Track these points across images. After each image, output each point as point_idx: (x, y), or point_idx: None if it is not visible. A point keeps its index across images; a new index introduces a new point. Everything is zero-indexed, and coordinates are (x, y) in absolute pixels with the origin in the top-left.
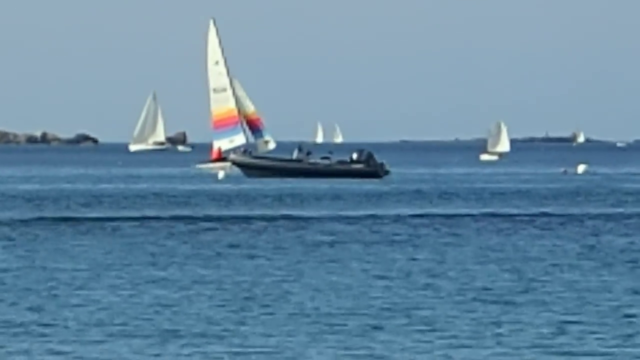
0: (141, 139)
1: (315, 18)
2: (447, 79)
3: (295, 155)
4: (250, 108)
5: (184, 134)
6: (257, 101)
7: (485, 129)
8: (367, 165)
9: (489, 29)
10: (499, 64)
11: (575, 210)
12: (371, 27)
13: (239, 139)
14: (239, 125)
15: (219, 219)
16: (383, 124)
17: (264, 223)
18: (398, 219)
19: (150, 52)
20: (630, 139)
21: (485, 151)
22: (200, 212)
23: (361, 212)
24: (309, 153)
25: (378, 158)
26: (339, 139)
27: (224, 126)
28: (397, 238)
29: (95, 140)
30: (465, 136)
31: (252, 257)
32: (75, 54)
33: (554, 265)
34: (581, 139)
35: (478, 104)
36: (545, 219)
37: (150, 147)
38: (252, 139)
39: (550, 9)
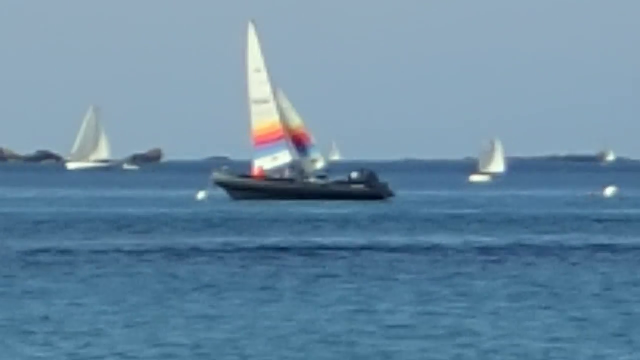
0: (81, 156)
1: (302, 24)
2: (457, 91)
3: (286, 174)
4: (295, 121)
5: (159, 151)
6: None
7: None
8: (369, 186)
9: (504, 32)
10: (514, 72)
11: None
12: (370, 35)
13: (283, 157)
14: (283, 140)
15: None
16: (385, 140)
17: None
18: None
19: (110, 61)
20: None
21: (476, 171)
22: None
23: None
24: (302, 171)
25: (380, 178)
26: (335, 157)
27: (266, 142)
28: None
29: (57, 158)
30: (478, 154)
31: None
32: (34, 61)
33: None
34: (610, 157)
35: (491, 119)
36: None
37: (90, 164)
38: (297, 157)
39: (577, 8)
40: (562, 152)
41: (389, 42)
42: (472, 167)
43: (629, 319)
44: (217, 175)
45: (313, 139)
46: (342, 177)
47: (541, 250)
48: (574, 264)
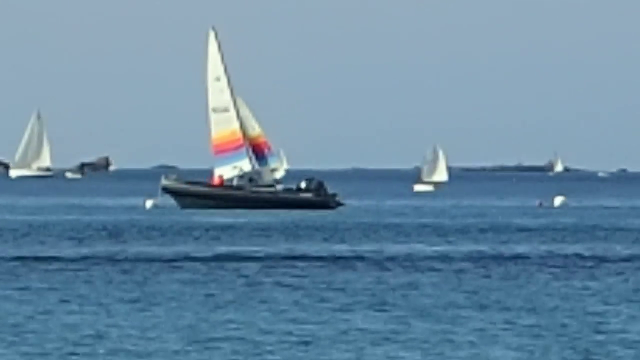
0: (24, 163)
1: (250, 36)
2: (408, 101)
3: (235, 182)
4: (255, 130)
5: (107, 159)
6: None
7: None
8: (317, 195)
9: (454, 43)
10: (466, 83)
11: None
12: (318, 44)
13: (244, 165)
14: (244, 149)
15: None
16: (333, 149)
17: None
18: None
19: (57, 66)
20: (614, 168)
21: (420, 180)
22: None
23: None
24: (251, 180)
25: (330, 187)
26: (284, 165)
27: (226, 151)
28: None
29: (6, 166)
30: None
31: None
32: None
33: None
34: (559, 167)
35: (441, 128)
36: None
37: (33, 172)
38: (257, 166)
39: (527, 20)
40: (511, 163)
41: (336, 52)
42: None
43: (572, 327)
44: (165, 182)
45: (273, 148)
46: (290, 186)
47: (494, 260)
48: (525, 273)
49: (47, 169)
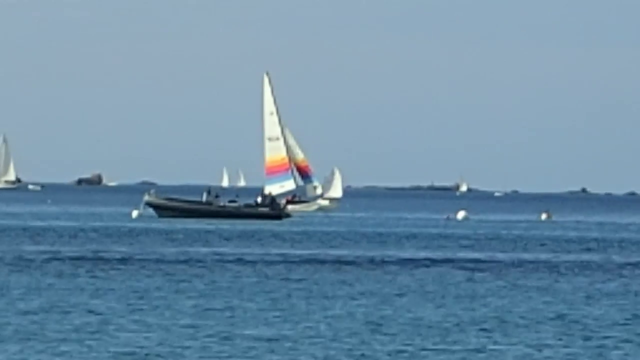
0: None
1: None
2: (360, 125)
3: (204, 197)
4: (299, 155)
5: (99, 176)
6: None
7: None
8: (272, 209)
9: (385, 77)
10: (386, 115)
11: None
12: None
13: (289, 185)
14: (290, 171)
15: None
16: None
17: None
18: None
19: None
20: (508, 189)
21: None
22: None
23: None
24: (217, 196)
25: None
26: (242, 183)
27: (276, 172)
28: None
29: None
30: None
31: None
32: None
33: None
34: (464, 188)
35: (368, 152)
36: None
37: (1, 185)
38: (301, 184)
39: (440, 55)
40: (425, 183)
41: (289, 78)
42: (353, 195)
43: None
44: (147, 197)
45: (314, 170)
46: (250, 201)
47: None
48: (439, 274)
49: (13, 182)
